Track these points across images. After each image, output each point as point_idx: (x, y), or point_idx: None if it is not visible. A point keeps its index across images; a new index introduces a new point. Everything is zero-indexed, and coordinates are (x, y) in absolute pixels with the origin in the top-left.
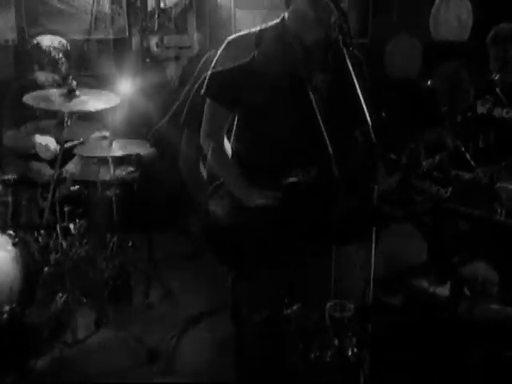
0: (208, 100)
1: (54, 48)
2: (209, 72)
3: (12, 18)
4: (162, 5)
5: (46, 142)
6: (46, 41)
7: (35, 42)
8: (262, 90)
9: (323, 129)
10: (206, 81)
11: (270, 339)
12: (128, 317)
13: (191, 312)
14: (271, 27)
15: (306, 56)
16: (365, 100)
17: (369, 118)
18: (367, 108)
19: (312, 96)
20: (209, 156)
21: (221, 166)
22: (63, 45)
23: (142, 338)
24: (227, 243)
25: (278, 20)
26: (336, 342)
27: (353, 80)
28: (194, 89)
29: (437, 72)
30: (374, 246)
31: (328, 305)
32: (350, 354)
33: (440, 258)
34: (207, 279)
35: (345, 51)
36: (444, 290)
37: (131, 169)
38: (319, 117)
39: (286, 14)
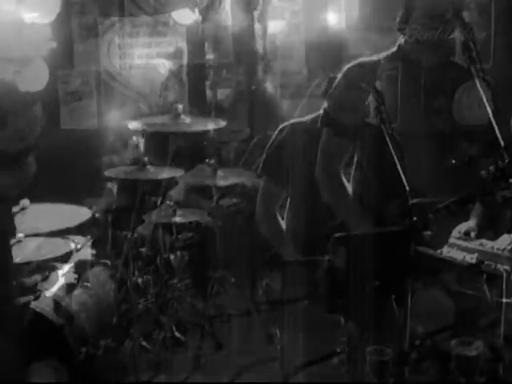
0: (327, 132)
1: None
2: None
3: None
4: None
5: None
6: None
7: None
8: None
9: (400, 170)
10: (321, 113)
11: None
12: (226, 361)
13: (294, 359)
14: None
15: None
16: None
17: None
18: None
19: (389, 140)
20: (325, 190)
21: (338, 198)
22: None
23: None
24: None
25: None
26: None
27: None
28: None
29: None
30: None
31: (453, 342)
32: None
33: None
34: (310, 326)
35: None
36: None
37: (236, 200)
38: (396, 159)
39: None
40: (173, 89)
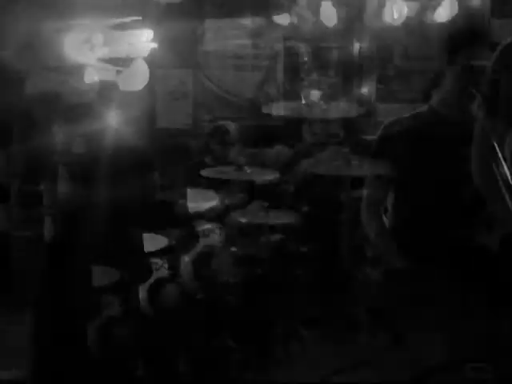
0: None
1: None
2: None
3: None
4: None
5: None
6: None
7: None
8: None
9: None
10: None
11: None
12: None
13: (424, 362)
14: None
15: None
16: None
17: None
18: None
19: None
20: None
21: (490, 190)
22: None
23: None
24: None
25: None
26: None
27: None
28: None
29: None
30: None
31: None
32: None
33: None
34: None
35: None
36: None
37: None
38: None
39: None
40: (268, 89)
